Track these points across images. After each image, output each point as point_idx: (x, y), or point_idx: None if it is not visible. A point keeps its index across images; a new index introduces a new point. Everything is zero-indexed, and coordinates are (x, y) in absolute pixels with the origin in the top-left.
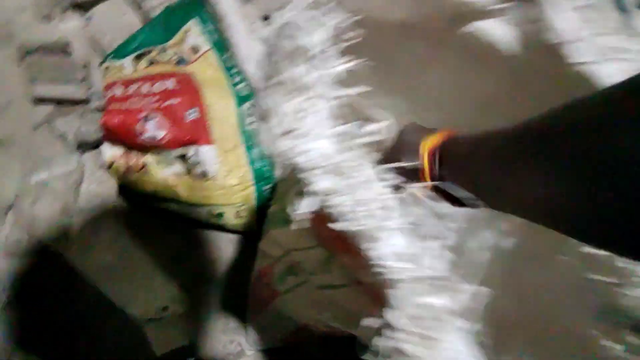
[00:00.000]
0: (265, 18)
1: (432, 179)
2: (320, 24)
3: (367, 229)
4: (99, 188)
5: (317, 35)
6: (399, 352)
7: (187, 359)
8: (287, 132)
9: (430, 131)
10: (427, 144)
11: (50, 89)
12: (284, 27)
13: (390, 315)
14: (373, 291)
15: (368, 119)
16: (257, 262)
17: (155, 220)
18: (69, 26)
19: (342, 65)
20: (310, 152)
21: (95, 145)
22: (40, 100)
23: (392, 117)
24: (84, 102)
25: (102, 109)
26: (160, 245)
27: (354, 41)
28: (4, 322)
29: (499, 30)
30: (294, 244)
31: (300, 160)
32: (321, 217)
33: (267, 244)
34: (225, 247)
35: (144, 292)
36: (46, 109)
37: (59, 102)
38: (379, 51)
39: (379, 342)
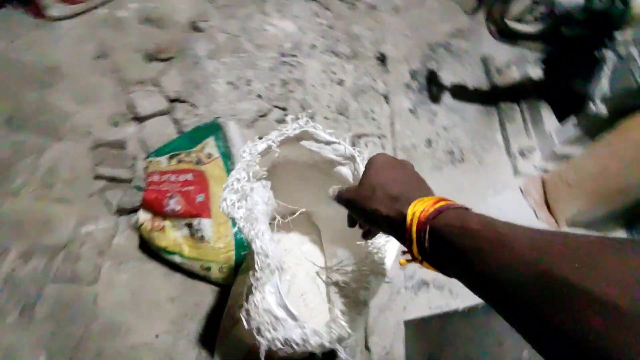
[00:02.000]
0: (260, 138)
1: (418, 248)
2: (254, 173)
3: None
4: (126, 242)
5: (252, 175)
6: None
7: None
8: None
9: (416, 186)
10: (417, 209)
11: (107, 170)
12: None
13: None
14: None
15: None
16: (228, 301)
17: (162, 270)
18: (128, 131)
19: (265, 184)
20: (257, 231)
21: (129, 212)
22: (98, 177)
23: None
24: (128, 181)
25: (140, 188)
26: (162, 288)
27: (267, 177)
28: (35, 333)
29: (344, 170)
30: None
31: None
32: None
33: (236, 285)
34: (208, 294)
35: (144, 322)
36: (101, 183)
37: (111, 179)
38: (293, 173)
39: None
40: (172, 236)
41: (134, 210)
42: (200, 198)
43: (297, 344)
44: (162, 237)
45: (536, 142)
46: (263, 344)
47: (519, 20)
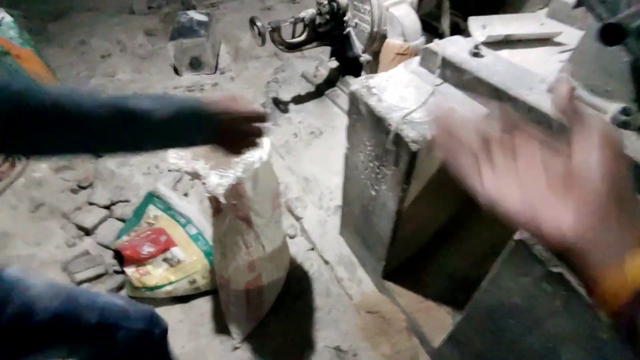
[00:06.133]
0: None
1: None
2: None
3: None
4: None
5: None
6: None
7: None
8: None
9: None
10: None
11: (84, 275)
12: None
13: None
14: None
15: None
16: (217, 276)
17: (161, 310)
18: (87, 242)
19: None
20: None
21: (117, 289)
22: (80, 283)
23: None
24: (105, 273)
25: (117, 272)
26: (169, 319)
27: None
28: None
29: None
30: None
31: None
32: None
33: (216, 265)
34: (204, 303)
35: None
36: (86, 285)
37: (91, 279)
38: None
39: None
40: (157, 273)
41: (121, 288)
42: (163, 238)
43: None
44: (150, 278)
45: None
46: None
47: (292, 37)
